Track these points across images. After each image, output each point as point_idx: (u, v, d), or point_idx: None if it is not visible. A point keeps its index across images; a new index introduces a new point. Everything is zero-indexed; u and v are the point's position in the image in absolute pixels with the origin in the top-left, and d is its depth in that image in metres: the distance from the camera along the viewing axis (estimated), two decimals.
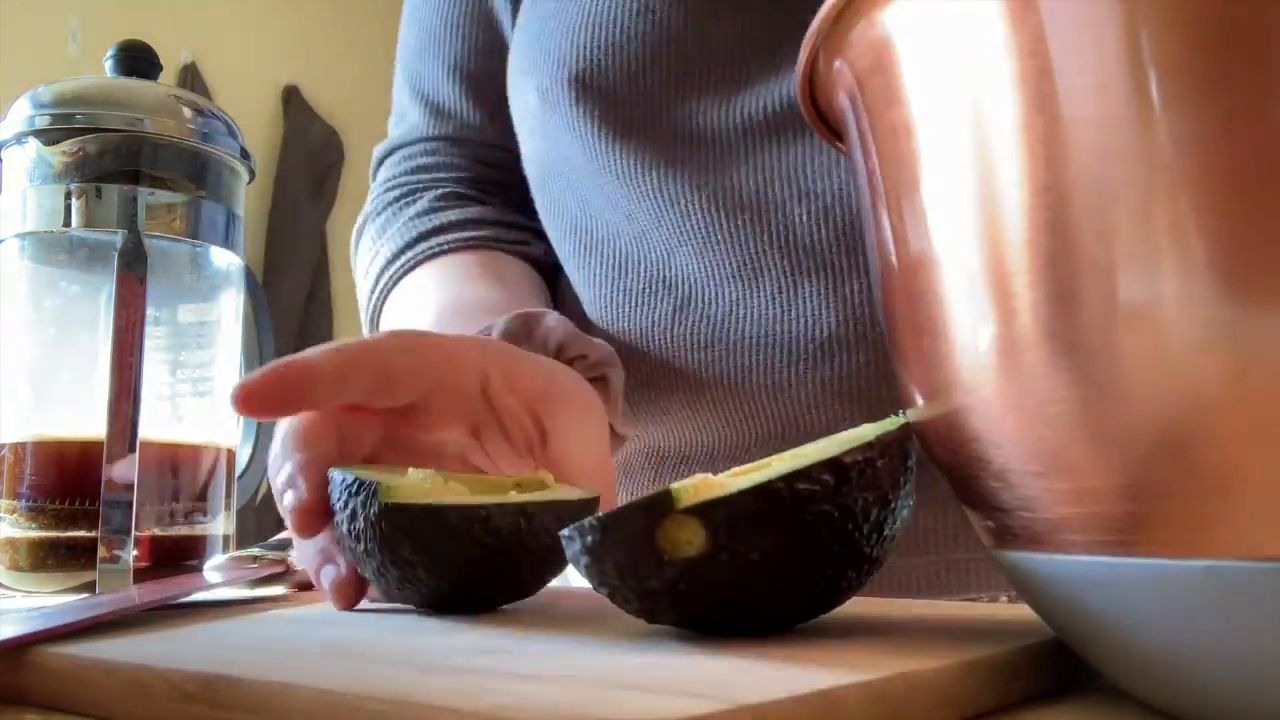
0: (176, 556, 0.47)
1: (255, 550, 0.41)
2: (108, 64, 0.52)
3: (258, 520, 2.44)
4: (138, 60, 0.51)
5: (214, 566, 0.41)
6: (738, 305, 0.49)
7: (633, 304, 0.52)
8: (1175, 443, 0.17)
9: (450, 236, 0.59)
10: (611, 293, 0.53)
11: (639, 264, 0.52)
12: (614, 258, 0.53)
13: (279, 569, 0.40)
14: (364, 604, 0.35)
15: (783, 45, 0.49)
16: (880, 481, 0.25)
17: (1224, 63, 0.16)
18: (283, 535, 0.44)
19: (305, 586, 0.42)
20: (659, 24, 0.50)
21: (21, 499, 0.46)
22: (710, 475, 0.26)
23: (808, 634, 0.26)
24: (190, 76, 2.47)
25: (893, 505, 0.26)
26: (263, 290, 0.56)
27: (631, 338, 0.53)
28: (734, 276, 0.49)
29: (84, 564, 0.45)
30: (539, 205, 0.59)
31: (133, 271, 0.46)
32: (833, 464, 0.25)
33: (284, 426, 0.36)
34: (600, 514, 0.25)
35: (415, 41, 0.65)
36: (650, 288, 0.52)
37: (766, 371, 0.49)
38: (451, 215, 0.60)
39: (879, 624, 0.28)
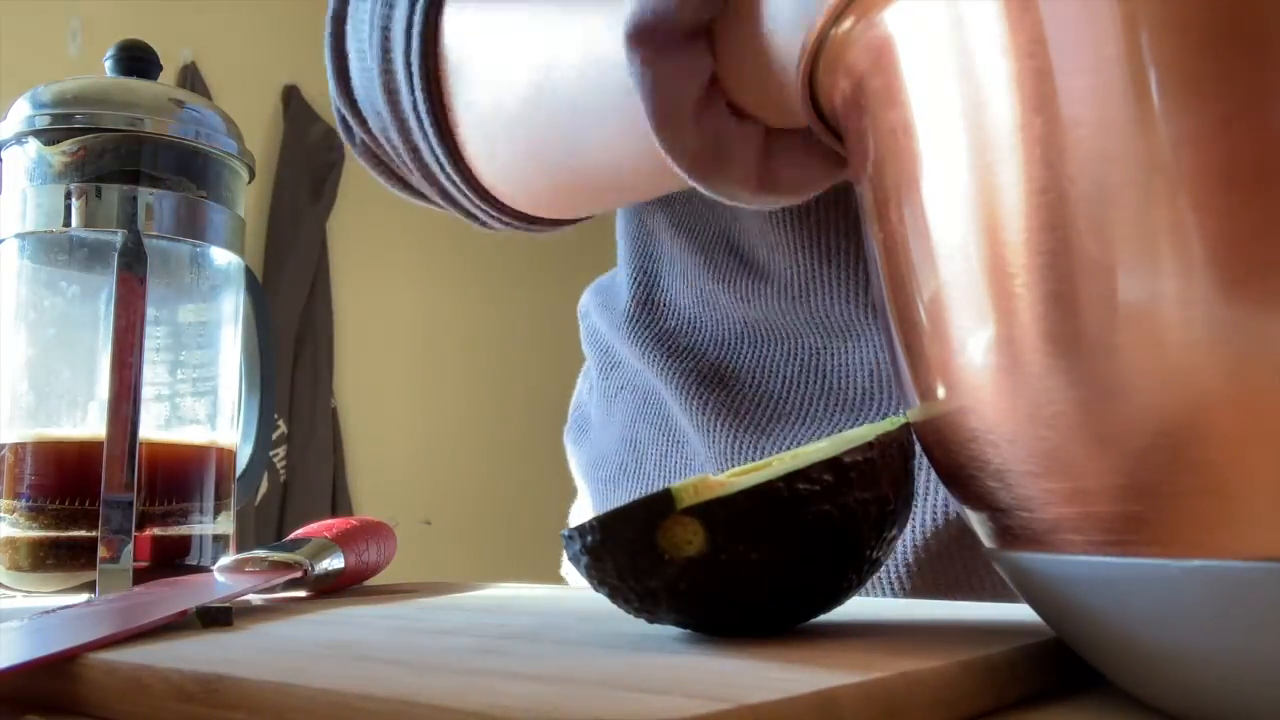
0: (176, 556, 0.47)
1: (260, 552, 0.41)
2: (108, 64, 0.52)
3: (258, 520, 2.45)
4: (138, 60, 0.51)
5: (223, 568, 0.41)
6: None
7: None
8: (1174, 442, 0.17)
9: None
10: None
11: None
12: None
13: (296, 573, 0.39)
14: (367, 608, 0.35)
15: None
16: (880, 482, 0.25)
17: (1223, 63, 0.16)
18: (292, 536, 0.44)
19: (323, 591, 0.42)
20: None
21: (21, 499, 0.46)
22: (710, 475, 0.26)
23: (808, 634, 0.26)
24: (190, 76, 2.47)
25: (892, 506, 0.26)
26: (263, 290, 0.56)
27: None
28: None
29: (84, 564, 0.45)
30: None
31: (133, 271, 0.46)
32: (833, 464, 0.25)
33: None
34: (600, 514, 0.25)
35: None
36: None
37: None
38: None
39: (879, 624, 0.28)
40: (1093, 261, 0.17)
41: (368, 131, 0.47)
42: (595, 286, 0.62)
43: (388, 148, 0.47)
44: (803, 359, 0.49)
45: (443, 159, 0.44)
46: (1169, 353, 0.16)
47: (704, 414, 0.50)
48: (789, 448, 0.47)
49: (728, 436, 0.49)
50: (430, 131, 0.43)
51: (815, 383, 0.48)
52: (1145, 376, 0.17)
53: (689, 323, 0.53)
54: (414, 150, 0.45)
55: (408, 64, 0.42)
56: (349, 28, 0.46)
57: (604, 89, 0.36)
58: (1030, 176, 0.18)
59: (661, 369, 0.53)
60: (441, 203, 0.48)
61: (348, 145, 0.49)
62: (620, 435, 0.57)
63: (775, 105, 0.32)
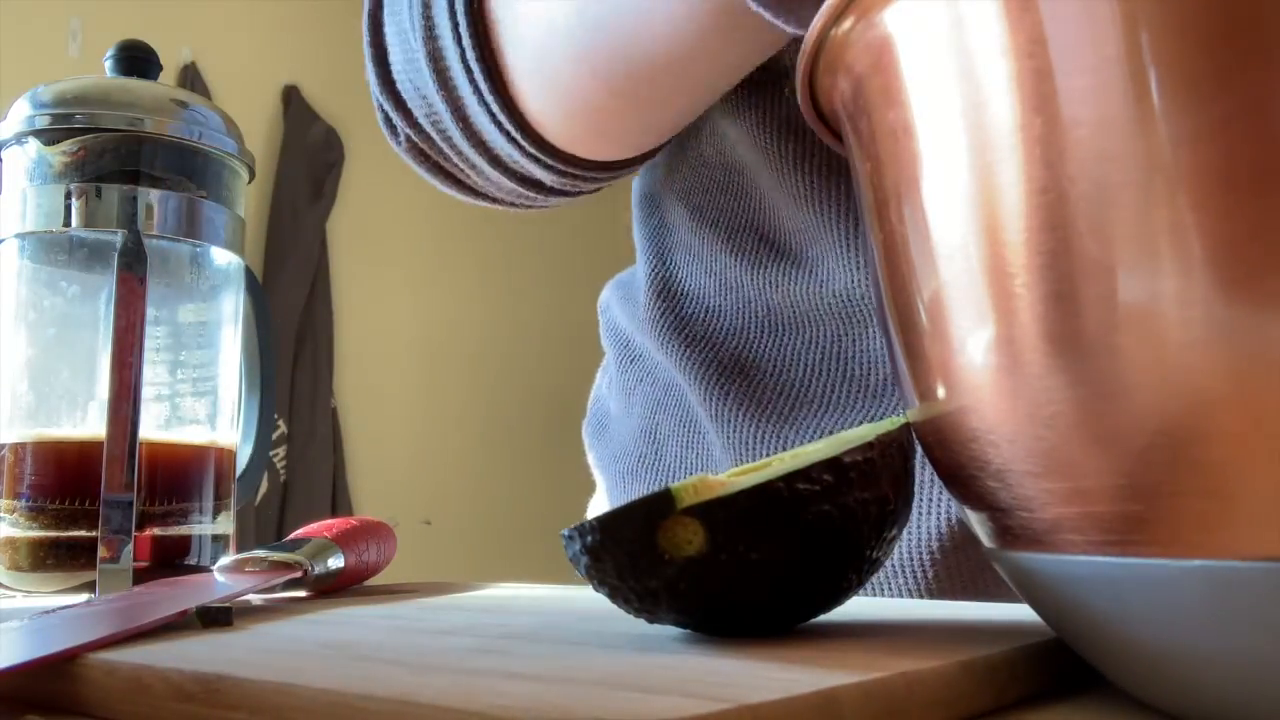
0: (176, 556, 0.48)
1: (260, 552, 0.41)
2: (108, 64, 0.52)
3: (258, 520, 2.45)
4: (138, 60, 0.51)
5: (223, 568, 0.41)
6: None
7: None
8: (1174, 442, 0.17)
9: None
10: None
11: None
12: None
13: (296, 573, 0.39)
14: (367, 608, 0.35)
15: None
16: (880, 482, 0.25)
17: (1222, 64, 0.16)
18: (292, 536, 0.44)
19: (323, 591, 0.42)
20: None
21: (21, 499, 0.46)
22: (710, 475, 0.26)
23: (808, 634, 0.26)
24: (190, 76, 2.47)
25: (892, 505, 0.26)
26: (263, 290, 0.56)
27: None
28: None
29: (84, 564, 0.45)
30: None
31: (133, 271, 0.46)
32: (833, 464, 0.25)
33: None
34: (600, 514, 0.25)
35: None
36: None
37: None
38: None
39: (879, 624, 0.28)
40: (1093, 261, 0.17)
41: (413, 124, 0.47)
42: (615, 281, 0.63)
43: (434, 134, 0.47)
44: (824, 347, 0.48)
45: (493, 104, 0.43)
46: (1169, 353, 0.16)
47: (725, 404, 0.50)
48: (814, 437, 0.47)
49: (750, 426, 0.49)
50: (481, 79, 0.43)
51: (837, 370, 0.48)
52: (1145, 376, 0.17)
53: (708, 309, 0.53)
54: (461, 114, 0.45)
55: (452, 15, 0.42)
56: (386, 16, 0.47)
57: None
58: (1030, 176, 0.18)
59: (681, 359, 0.52)
60: (493, 172, 0.47)
61: (393, 145, 0.50)
62: (639, 428, 0.57)
63: None
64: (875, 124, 0.22)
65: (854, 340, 0.47)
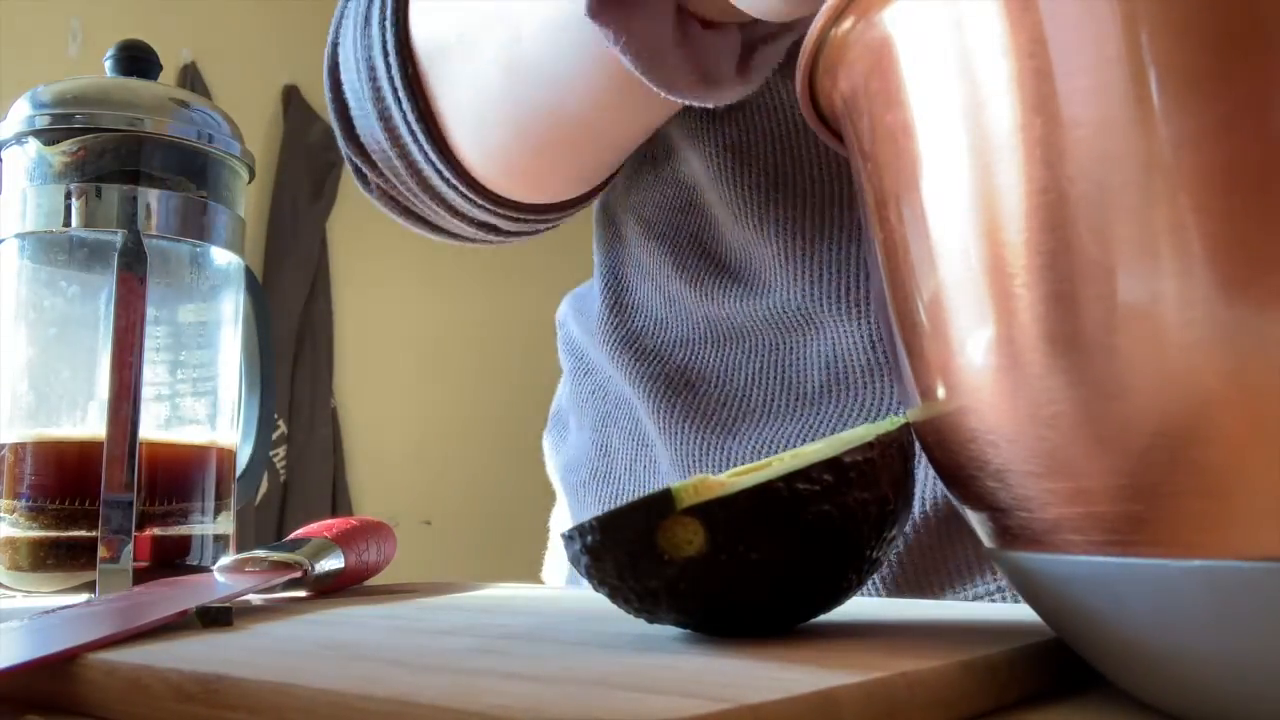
0: (176, 556, 0.48)
1: (260, 552, 0.41)
2: (108, 64, 0.52)
3: (258, 520, 2.45)
4: (138, 60, 0.51)
5: (223, 568, 0.41)
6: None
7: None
8: (1174, 443, 0.17)
9: None
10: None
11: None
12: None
13: (296, 573, 0.39)
14: (367, 608, 0.35)
15: None
16: (880, 482, 0.25)
17: (1223, 63, 0.16)
18: (292, 536, 0.44)
19: (323, 591, 0.42)
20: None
21: (21, 499, 0.46)
22: (710, 475, 0.26)
23: (808, 634, 0.26)
24: (190, 76, 2.47)
25: (892, 506, 0.26)
26: (263, 290, 0.56)
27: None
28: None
29: (84, 564, 0.45)
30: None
31: (133, 271, 0.46)
32: (833, 464, 0.25)
33: None
34: (600, 514, 0.25)
35: None
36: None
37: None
38: None
39: (879, 624, 0.28)
40: (1093, 262, 0.17)
41: (378, 174, 0.50)
42: (572, 295, 0.64)
43: (395, 181, 0.50)
44: (762, 355, 0.50)
45: (437, 162, 0.47)
46: (1169, 353, 0.16)
47: (672, 417, 0.51)
48: (755, 446, 0.48)
49: (695, 438, 0.50)
50: (423, 139, 0.47)
51: (775, 379, 0.49)
52: (1145, 377, 0.17)
53: (656, 323, 0.54)
54: (414, 168, 0.49)
55: (390, 80, 0.46)
56: (342, 75, 0.50)
57: (577, 47, 0.39)
58: (1030, 177, 0.18)
59: (630, 373, 0.54)
60: (451, 221, 0.51)
61: (365, 194, 0.53)
62: (591, 440, 0.58)
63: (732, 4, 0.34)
64: (875, 124, 0.22)
65: (790, 349, 0.49)
